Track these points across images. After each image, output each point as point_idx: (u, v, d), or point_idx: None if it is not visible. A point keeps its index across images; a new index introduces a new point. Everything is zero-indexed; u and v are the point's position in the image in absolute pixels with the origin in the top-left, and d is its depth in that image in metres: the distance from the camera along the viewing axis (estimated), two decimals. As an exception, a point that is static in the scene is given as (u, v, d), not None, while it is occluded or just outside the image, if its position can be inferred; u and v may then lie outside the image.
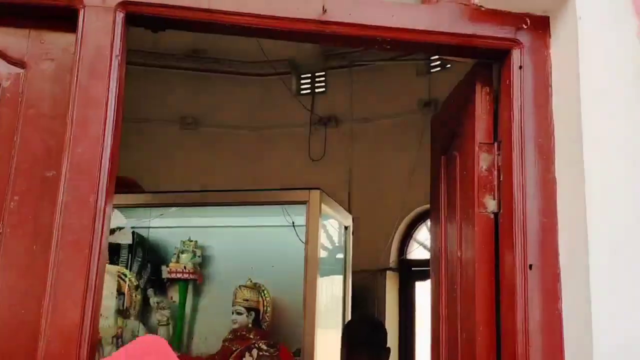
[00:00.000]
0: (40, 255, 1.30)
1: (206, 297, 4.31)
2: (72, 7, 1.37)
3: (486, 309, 1.50)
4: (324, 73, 6.48)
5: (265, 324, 3.99)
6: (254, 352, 2.28)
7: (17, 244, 1.32)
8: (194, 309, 4.34)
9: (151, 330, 4.18)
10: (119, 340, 4.02)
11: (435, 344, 1.82)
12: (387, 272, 5.74)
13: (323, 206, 3.63)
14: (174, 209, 3.92)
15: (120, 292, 4.17)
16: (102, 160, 1.32)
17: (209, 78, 6.45)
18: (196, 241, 4.30)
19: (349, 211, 4.43)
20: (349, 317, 4.18)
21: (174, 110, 6.31)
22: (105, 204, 1.32)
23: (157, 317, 4.28)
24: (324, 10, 1.42)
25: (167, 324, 4.25)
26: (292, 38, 1.47)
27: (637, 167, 1.36)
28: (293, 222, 3.73)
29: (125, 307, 4.19)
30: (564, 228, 1.42)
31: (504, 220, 1.51)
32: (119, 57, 1.37)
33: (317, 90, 6.49)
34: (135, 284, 4.09)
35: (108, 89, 1.34)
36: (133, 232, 4.30)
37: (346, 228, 4.21)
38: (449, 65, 5.03)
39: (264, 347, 2.29)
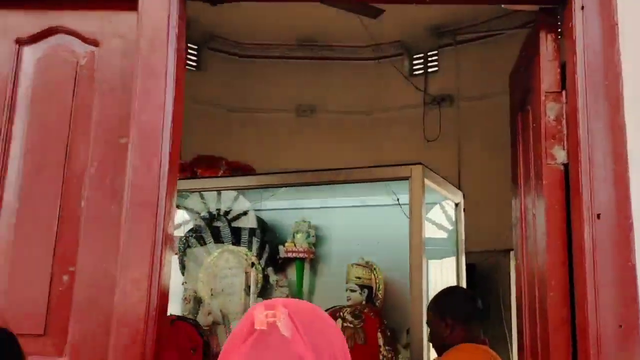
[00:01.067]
0: (117, 214, 1.43)
1: (321, 275, 4.42)
2: (145, -13, 1.48)
3: (557, 264, 1.42)
4: (436, 52, 6.38)
5: (379, 301, 4.03)
6: (338, 322, 2.25)
7: (98, 205, 1.46)
8: (311, 287, 4.46)
9: (272, 307, 4.36)
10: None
11: (519, 308, 1.76)
12: (511, 252, 5.55)
13: (428, 182, 3.58)
14: (283, 189, 4.05)
15: (244, 272, 4.39)
16: (164, 126, 1.42)
17: (322, 66, 6.58)
18: (309, 222, 4.41)
19: (459, 189, 4.33)
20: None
21: (289, 99, 6.51)
22: (170, 166, 1.42)
23: (277, 294, 4.46)
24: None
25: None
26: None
27: None
28: (398, 199, 3.72)
29: (248, 286, 4.40)
30: (636, 174, 1.31)
31: (572, 171, 1.42)
32: (176, 29, 1.47)
33: (429, 70, 6.40)
34: (256, 263, 4.28)
35: (167, 59, 1.44)
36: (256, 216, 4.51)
37: (456, 205, 4.11)
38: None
39: (349, 317, 2.25)
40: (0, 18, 1.57)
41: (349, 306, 2.40)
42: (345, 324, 2.24)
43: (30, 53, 1.56)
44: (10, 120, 1.51)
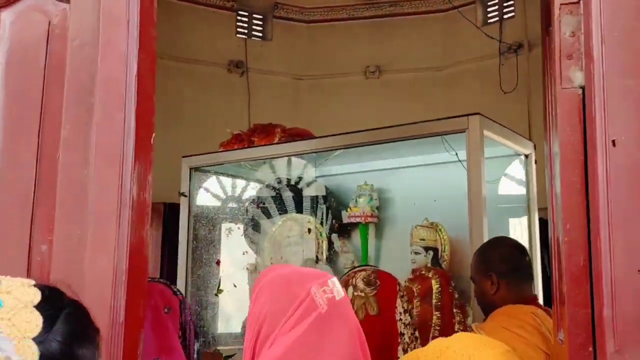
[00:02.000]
0: (89, 177, 1.36)
1: (386, 239, 4.30)
2: None
3: (573, 204, 1.21)
4: (512, -5, 5.95)
5: (444, 262, 3.86)
6: (350, 289, 2.06)
7: (72, 169, 1.39)
8: (377, 251, 4.35)
9: (338, 273, 4.29)
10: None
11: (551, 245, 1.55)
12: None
13: (488, 133, 3.32)
14: (338, 152, 3.92)
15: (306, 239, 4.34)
16: (127, 78, 1.33)
17: (389, 23, 6.33)
18: (372, 185, 4.28)
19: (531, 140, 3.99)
20: (538, 260, 3.81)
21: (357, 61, 6.32)
22: (137, 122, 1.33)
23: (341, 260, 4.39)
24: None
25: (353, 268, 4.32)
26: None
27: None
28: (457, 154, 3.49)
29: (314, 253, 4.35)
30: (660, 89, 1.08)
31: (587, 93, 1.20)
32: (138, -26, 1.36)
33: (505, 16, 5.98)
34: (313, 229, 4.21)
35: (128, 5, 1.34)
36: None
37: (526, 157, 3.80)
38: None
39: (361, 284, 2.05)
40: (-23, -16, 1.54)
41: (363, 270, 2.24)
42: (356, 293, 2.05)
43: (6, 17, 1.52)
44: (-12, 87, 1.48)
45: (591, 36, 1.16)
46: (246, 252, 4.18)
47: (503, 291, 2.22)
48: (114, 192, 1.29)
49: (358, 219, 4.22)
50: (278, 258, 4.07)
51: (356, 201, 4.27)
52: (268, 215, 4.42)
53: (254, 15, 6.54)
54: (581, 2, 1.27)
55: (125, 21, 1.34)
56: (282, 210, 4.41)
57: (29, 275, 1.34)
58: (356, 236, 4.30)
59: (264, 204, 4.46)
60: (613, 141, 1.10)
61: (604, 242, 1.08)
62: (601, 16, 1.14)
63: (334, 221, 4.12)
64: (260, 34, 6.55)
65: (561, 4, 1.28)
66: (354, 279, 2.14)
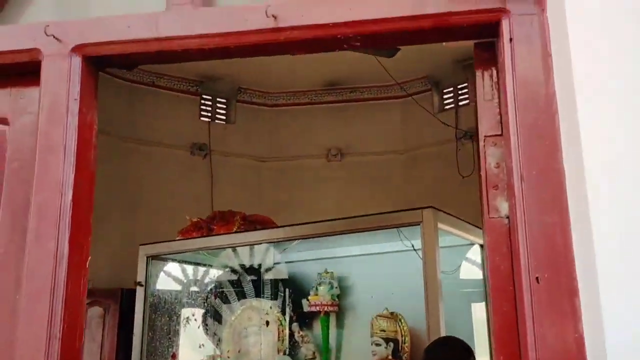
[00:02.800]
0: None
1: (348, 328, 4.24)
2: (36, 60, 1.42)
3: (505, 340, 1.22)
4: (466, 84, 6.16)
5: (405, 355, 3.81)
6: None
7: (2, 295, 1.36)
8: (338, 341, 4.27)
9: (300, 365, 4.20)
10: (270, 375, 4.06)
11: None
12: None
13: (443, 225, 3.37)
14: (296, 242, 3.92)
15: (267, 329, 4.26)
16: (62, 206, 1.32)
17: (350, 108, 6.49)
18: (332, 272, 4.25)
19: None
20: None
21: (319, 144, 6.43)
22: (70, 249, 1.31)
23: (303, 351, 4.29)
24: (274, 17, 1.30)
25: (313, 358, 4.23)
26: (244, 54, 1.36)
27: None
28: (413, 245, 3.52)
29: (274, 344, 4.26)
30: (577, 228, 1.11)
31: (511, 226, 1.23)
32: (78, 101, 1.38)
33: (460, 103, 6.19)
34: (272, 321, 4.14)
35: (65, 132, 1.35)
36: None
37: (482, 247, 3.85)
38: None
39: None
40: None
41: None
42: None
43: (-53, 139, 1.51)
44: None
45: (512, 172, 1.20)
46: (202, 345, 4.07)
47: None
48: (43, 322, 1.26)
49: (318, 308, 4.17)
50: (236, 350, 3.98)
51: (316, 289, 4.22)
52: (227, 302, 4.34)
53: (218, 99, 6.64)
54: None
55: (62, 147, 1.35)
56: (242, 295, 4.33)
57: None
58: (317, 325, 4.23)
59: (222, 289, 4.38)
60: (537, 278, 1.12)
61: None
62: (520, 154, 1.19)
63: (292, 311, 4.07)
64: (224, 117, 6.63)
65: (485, 136, 1.33)
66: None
